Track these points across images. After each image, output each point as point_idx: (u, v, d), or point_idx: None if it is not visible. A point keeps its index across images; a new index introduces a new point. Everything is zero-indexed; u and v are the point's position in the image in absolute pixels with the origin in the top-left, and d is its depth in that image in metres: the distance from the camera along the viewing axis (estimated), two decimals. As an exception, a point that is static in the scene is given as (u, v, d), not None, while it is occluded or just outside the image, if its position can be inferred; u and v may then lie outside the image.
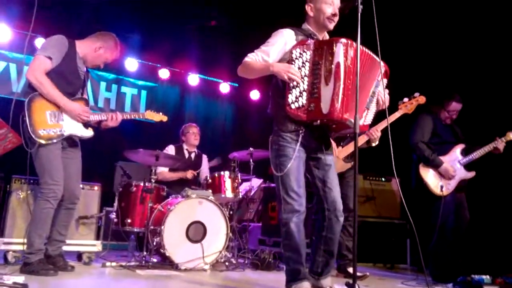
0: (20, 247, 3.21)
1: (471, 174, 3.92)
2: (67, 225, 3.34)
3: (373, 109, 2.61)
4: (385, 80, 2.60)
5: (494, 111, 4.66)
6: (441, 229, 3.86)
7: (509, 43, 4.60)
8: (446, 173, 3.86)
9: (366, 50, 2.45)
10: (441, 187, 3.84)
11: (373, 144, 3.57)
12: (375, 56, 2.47)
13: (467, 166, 3.96)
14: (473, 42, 4.88)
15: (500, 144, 3.83)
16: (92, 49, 3.28)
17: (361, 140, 3.60)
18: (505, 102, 4.62)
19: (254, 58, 2.54)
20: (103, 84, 6.88)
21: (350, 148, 3.71)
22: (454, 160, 3.94)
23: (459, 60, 5.06)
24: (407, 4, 4.94)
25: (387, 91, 2.65)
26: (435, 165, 3.89)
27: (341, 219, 2.57)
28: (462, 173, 3.91)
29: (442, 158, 3.91)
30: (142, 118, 3.66)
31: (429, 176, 3.92)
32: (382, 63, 2.53)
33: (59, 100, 3.01)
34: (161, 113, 3.78)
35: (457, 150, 3.97)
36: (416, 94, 3.24)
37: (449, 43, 5.12)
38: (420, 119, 4.07)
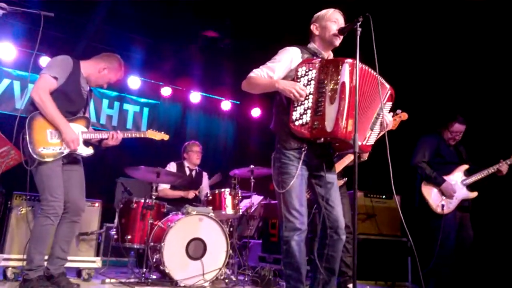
0: (19, 263, 3.19)
1: (473, 194, 3.96)
2: (69, 241, 3.28)
3: (376, 130, 2.62)
4: (389, 103, 2.64)
5: (501, 132, 4.68)
6: (441, 247, 3.88)
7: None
8: (446, 192, 3.91)
9: (372, 71, 2.47)
10: (442, 206, 3.89)
11: (362, 160, 3.60)
12: (381, 79, 2.50)
13: (470, 187, 4.00)
14: (477, 62, 4.93)
15: (503, 166, 3.89)
16: (96, 69, 3.33)
17: (350, 157, 3.66)
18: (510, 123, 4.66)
19: (259, 74, 2.57)
20: (105, 101, 6.95)
21: (340, 165, 3.73)
22: (457, 180, 3.99)
23: (464, 80, 5.11)
24: (408, 25, 5.02)
25: (391, 114, 2.69)
26: (437, 183, 3.95)
27: (343, 237, 2.56)
28: (463, 193, 3.95)
29: (445, 177, 3.97)
30: (143, 137, 3.68)
31: (431, 195, 3.97)
32: (388, 86, 2.56)
33: (58, 121, 3.03)
34: (162, 132, 3.80)
35: (461, 170, 4.03)
36: (399, 111, 3.32)
37: (453, 63, 5.17)
38: (422, 140, 4.18)
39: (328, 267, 2.55)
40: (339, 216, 2.56)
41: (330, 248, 2.54)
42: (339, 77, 2.40)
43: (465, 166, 4.05)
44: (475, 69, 4.98)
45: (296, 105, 2.46)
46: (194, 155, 5.00)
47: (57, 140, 3.07)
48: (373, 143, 2.66)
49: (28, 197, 3.71)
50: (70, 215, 3.18)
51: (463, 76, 5.12)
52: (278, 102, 2.62)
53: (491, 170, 3.92)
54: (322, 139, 2.44)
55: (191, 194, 4.79)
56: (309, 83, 2.47)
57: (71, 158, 3.26)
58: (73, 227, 3.26)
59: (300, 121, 2.44)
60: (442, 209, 3.89)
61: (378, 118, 2.58)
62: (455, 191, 3.91)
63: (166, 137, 3.80)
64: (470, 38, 4.88)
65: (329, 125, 2.38)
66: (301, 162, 2.48)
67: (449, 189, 3.90)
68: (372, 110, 2.55)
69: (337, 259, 2.56)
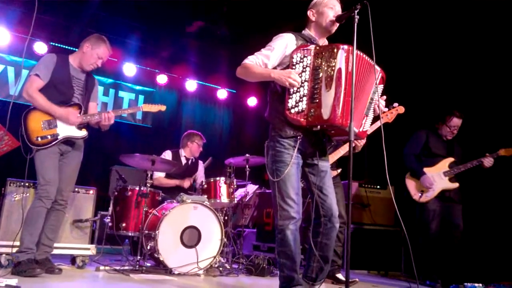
0: (13, 250, 3.21)
1: (454, 185, 4.18)
2: (55, 229, 3.41)
3: (371, 115, 2.60)
4: (381, 86, 2.60)
5: (495, 127, 4.71)
6: (422, 235, 4.17)
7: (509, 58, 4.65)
8: (423, 184, 4.21)
9: (365, 56, 2.45)
10: (420, 195, 4.21)
11: (356, 151, 3.62)
12: (372, 62, 2.47)
13: (455, 178, 4.19)
14: (475, 56, 4.92)
15: (486, 159, 4.04)
16: (81, 52, 3.47)
17: (346, 148, 3.71)
18: (504, 118, 4.70)
19: (254, 61, 2.54)
20: (100, 89, 6.89)
21: (335, 156, 3.74)
22: (440, 172, 4.21)
23: (461, 74, 5.11)
24: (405, 14, 4.99)
25: (384, 97, 2.67)
26: (417, 175, 4.25)
27: (337, 225, 2.56)
28: (443, 184, 4.18)
29: (427, 169, 4.23)
30: (140, 111, 3.69)
31: (412, 184, 4.32)
32: (378, 69, 2.53)
33: (50, 109, 3.27)
34: (159, 104, 3.83)
35: (446, 163, 4.24)
36: (395, 104, 3.37)
37: (450, 56, 5.16)
38: (414, 134, 4.44)
39: (321, 255, 2.55)
40: (332, 204, 2.56)
41: (323, 236, 2.54)
42: (335, 63, 2.37)
43: (450, 159, 4.25)
44: (472, 62, 4.97)
45: (291, 92, 2.43)
46: (196, 147, 4.96)
47: (51, 128, 3.28)
48: (369, 128, 2.65)
49: (22, 183, 3.71)
50: (54, 203, 3.31)
51: (460, 69, 5.11)
52: (273, 90, 2.59)
53: (474, 163, 4.11)
54: (319, 126, 2.40)
55: (186, 183, 4.78)
56: (304, 69, 2.44)
57: (70, 144, 3.38)
58: (58, 215, 3.41)
59: (296, 109, 2.42)
60: (420, 198, 4.21)
61: (371, 102, 2.55)
62: (432, 184, 4.17)
63: (163, 107, 3.85)
64: (468, 32, 4.87)
65: (325, 112, 2.35)
66: (296, 150, 2.47)
67: (425, 181, 4.18)
68: (366, 95, 2.52)
69: (330, 247, 2.57)
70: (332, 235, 2.56)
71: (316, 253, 2.54)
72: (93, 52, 3.43)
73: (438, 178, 4.19)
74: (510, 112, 4.61)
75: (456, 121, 4.28)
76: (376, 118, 2.69)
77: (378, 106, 2.58)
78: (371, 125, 2.65)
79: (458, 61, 5.10)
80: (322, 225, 2.55)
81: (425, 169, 4.22)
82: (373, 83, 2.51)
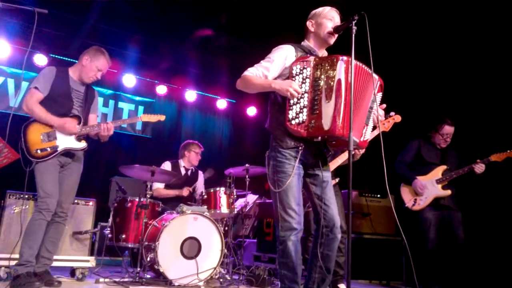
0: (12, 263, 3.19)
1: (446, 192, 4.17)
2: (55, 241, 3.40)
3: (370, 124, 2.60)
4: (379, 94, 2.61)
5: (489, 133, 4.73)
6: (422, 244, 4.15)
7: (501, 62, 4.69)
8: (415, 189, 4.24)
9: (363, 66, 2.46)
10: (413, 203, 4.22)
11: (355, 159, 3.62)
12: (370, 71, 2.48)
13: (448, 185, 4.19)
14: (471, 65, 4.96)
15: (478, 165, 4.05)
16: (80, 64, 3.50)
17: (345, 156, 3.71)
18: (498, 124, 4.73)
19: (255, 72, 2.55)
20: (100, 100, 6.90)
21: (333, 165, 3.74)
22: (433, 179, 4.22)
23: (458, 82, 5.15)
24: (403, 25, 5.03)
25: (384, 106, 2.67)
26: (409, 182, 4.27)
27: (339, 236, 2.55)
28: (436, 191, 4.18)
29: (420, 177, 4.25)
30: (140, 121, 3.68)
31: (405, 192, 4.33)
32: (376, 77, 2.54)
33: (49, 120, 3.29)
34: (158, 114, 3.82)
35: (439, 171, 4.25)
36: (392, 113, 3.40)
37: (447, 65, 5.19)
38: (408, 144, 4.48)
39: (323, 266, 2.53)
40: (334, 215, 2.55)
41: (325, 247, 2.53)
42: (335, 74, 2.39)
43: (443, 167, 4.26)
44: (468, 71, 5.00)
45: (291, 103, 2.44)
46: (195, 156, 4.96)
47: (50, 141, 3.28)
48: (369, 137, 2.65)
49: (22, 195, 3.70)
50: (54, 216, 3.29)
51: (456, 77, 5.14)
52: (273, 101, 2.60)
53: (466, 169, 4.12)
54: (320, 137, 2.41)
55: (185, 192, 4.77)
56: (304, 81, 2.45)
57: (70, 156, 3.39)
58: (58, 227, 3.40)
59: (297, 120, 2.42)
60: (412, 206, 4.23)
61: (371, 111, 2.56)
62: (422, 188, 4.18)
63: (162, 117, 3.84)
64: (463, 41, 4.90)
65: (326, 123, 2.36)
66: (297, 160, 2.46)
67: (416, 185, 4.21)
68: (365, 104, 2.52)
69: (332, 258, 2.55)
70: (334, 246, 2.54)
71: (318, 264, 2.53)
72: (92, 65, 3.46)
73: (430, 185, 4.20)
74: (503, 117, 4.63)
75: (448, 129, 4.30)
76: (374, 127, 2.69)
77: (377, 116, 2.58)
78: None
79: (455, 68, 5.13)
80: (324, 236, 2.54)
81: (418, 177, 4.24)
82: (371, 92, 2.52)
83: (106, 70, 3.56)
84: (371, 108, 2.56)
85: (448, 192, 4.15)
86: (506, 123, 4.61)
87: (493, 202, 4.62)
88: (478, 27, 4.69)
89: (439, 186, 4.18)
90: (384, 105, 2.67)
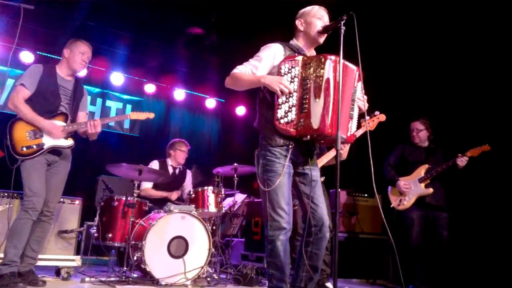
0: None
1: (427, 191, 4.23)
2: (40, 241, 3.36)
3: (355, 116, 2.60)
4: (360, 84, 2.58)
5: (471, 130, 4.80)
6: (405, 242, 4.22)
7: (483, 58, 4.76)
8: (399, 189, 4.35)
9: (344, 61, 2.45)
10: (399, 203, 4.32)
11: (341, 159, 3.63)
12: (349, 64, 2.49)
13: (432, 184, 4.26)
14: (459, 64, 5.01)
15: (460, 159, 4.10)
16: (64, 59, 3.48)
17: (330, 155, 3.74)
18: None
19: (243, 70, 2.54)
20: (87, 98, 6.83)
21: (319, 164, 3.75)
22: (415, 179, 4.31)
23: (443, 81, 5.20)
24: (392, 25, 5.07)
25: (365, 97, 2.65)
26: (393, 184, 4.41)
27: (327, 235, 2.56)
28: (418, 190, 4.26)
29: (403, 178, 4.36)
30: (128, 119, 3.65)
31: (392, 193, 4.44)
32: (354, 67, 2.52)
33: (35, 121, 3.25)
34: (147, 112, 3.79)
35: (422, 170, 4.32)
36: (377, 113, 3.44)
37: (435, 64, 5.23)
38: (395, 148, 4.60)
39: (311, 264, 2.54)
40: (323, 214, 2.56)
41: (314, 246, 2.53)
42: (323, 73, 2.40)
43: (426, 166, 4.33)
44: (454, 70, 5.06)
45: (280, 102, 2.44)
46: (181, 155, 4.94)
47: (36, 138, 3.25)
48: (355, 130, 2.65)
49: (7, 194, 3.65)
50: (40, 215, 3.26)
51: (442, 77, 5.19)
52: (262, 99, 2.59)
53: (444, 166, 4.19)
54: (309, 136, 2.42)
55: (174, 196, 4.76)
56: (292, 80, 2.46)
57: (57, 154, 3.36)
58: (44, 227, 3.37)
59: (286, 119, 2.43)
60: (398, 205, 4.32)
61: (353, 104, 2.56)
62: (406, 188, 4.28)
63: (151, 115, 3.80)
64: (452, 38, 4.95)
65: (315, 122, 2.37)
66: (287, 159, 2.47)
67: (400, 186, 4.32)
68: (348, 98, 2.51)
69: (320, 257, 2.56)
70: (322, 245, 2.55)
71: (306, 262, 2.53)
72: (75, 51, 3.44)
73: (414, 185, 4.27)
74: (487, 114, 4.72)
75: (413, 125, 4.45)
76: (358, 126, 2.70)
77: (364, 102, 2.57)
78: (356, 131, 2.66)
79: (442, 67, 5.18)
80: (313, 235, 2.54)
81: (401, 178, 4.35)
82: (352, 84, 2.52)
83: (90, 53, 3.52)
84: (354, 100, 2.55)
85: (430, 190, 4.19)
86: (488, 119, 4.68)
87: (486, 202, 4.66)
88: (461, 27, 4.74)
89: (422, 185, 4.24)
90: (365, 96, 2.65)
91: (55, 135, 3.27)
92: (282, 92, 2.42)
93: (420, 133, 4.43)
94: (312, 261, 2.54)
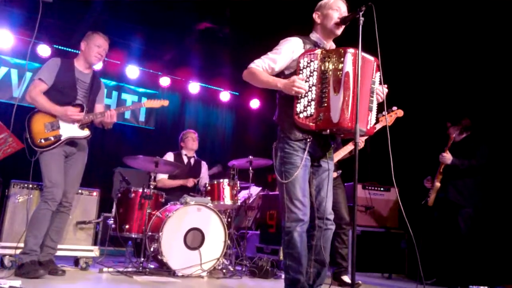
0: (17, 252, 3.21)
1: (436, 185, 4.20)
2: (59, 231, 3.43)
3: (374, 109, 2.56)
4: (378, 74, 2.55)
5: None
6: (423, 237, 4.11)
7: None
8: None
9: (365, 54, 2.43)
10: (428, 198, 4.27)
11: (360, 147, 3.60)
12: (367, 56, 2.45)
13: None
14: (478, 60, 4.93)
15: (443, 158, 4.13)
16: (81, 52, 3.53)
17: (347, 149, 3.71)
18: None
19: (261, 65, 2.53)
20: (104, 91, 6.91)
21: (336, 157, 3.73)
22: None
23: (463, 77, 5.10)
24: (410, 17, 4.99)
25: (386, 87, 2.61)
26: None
27: (332, 227, 2.55)
28: (435, 185, 4.24)
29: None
30: (143, 107, 3.65)
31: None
32: (372, 58, 2.49)
33: (52, 109, 3.31)
34: (161, 99, 3.82)
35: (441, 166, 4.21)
36: (394, 108, 3.38)
37: (453, 59, 5.14)
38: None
39: (317, 259, 2.53)
40: (328, 207, 2.54)
41: (319, 239, 2.52)
42: (343, 67, 2.37)
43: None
44: (473, 66, 4.96)
45: (299, 97, 2.43)
46: (190, 141, 4.98)
47: (54, 130, 3.31)
48: (375, 122, 2.61)
49: (26, 185, 3.72)
50: (59, 205, 3.32)
51: (463, 72, 5.09)
52: (282, 94, 2.58)
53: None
54: (328, 130, 2.41)
55: (190, 182, 4.77)
56: (311, 74, 2.44)
57: (75, 146, 3.42)
58: (62, 217, 3.44)
59: (305, 113, 2.41)
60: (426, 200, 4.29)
61: (372, 96, 2.52)
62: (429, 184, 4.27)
63: (166, 102, 3.83)
64: (470, 35, 4.85)
65: (334, 116, 2.34)
66: (306, 152, 2.46)
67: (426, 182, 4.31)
68: (367, 90, 2.48)
69: (327, 249, 2.54)
70: (328, 237, 2.54)
71: (312, 257, 2.52)
72: (91, 45, 3.48)
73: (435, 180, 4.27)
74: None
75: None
76: (376, 121, 2.67)
77: (382, 92, 2.55)
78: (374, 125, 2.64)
79: (461, 61, 5.08)
80: (317, 227, 2.52)
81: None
82: (371, 75, 2.49)
83: (106, 46, 3.55)
84: (372, 92, 2.52)
85: (437, 185, 4.17)
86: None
87: (502, 199, 4.59)
88: (484, 23, 4.65)
89: (436, 180, 4.19)
90: (386, 85, 2.61)
91: (70, 115, 3.31)
92: (298, 94, 2.41)
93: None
94: (319, 255, 2.52)
